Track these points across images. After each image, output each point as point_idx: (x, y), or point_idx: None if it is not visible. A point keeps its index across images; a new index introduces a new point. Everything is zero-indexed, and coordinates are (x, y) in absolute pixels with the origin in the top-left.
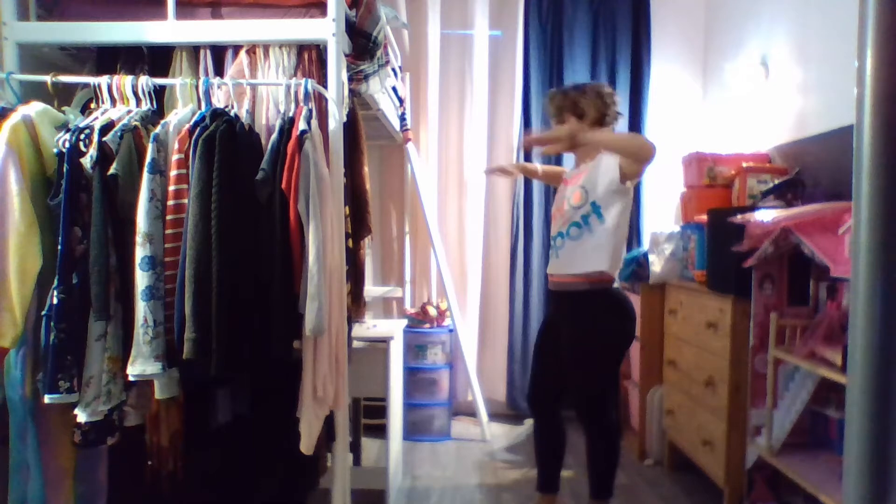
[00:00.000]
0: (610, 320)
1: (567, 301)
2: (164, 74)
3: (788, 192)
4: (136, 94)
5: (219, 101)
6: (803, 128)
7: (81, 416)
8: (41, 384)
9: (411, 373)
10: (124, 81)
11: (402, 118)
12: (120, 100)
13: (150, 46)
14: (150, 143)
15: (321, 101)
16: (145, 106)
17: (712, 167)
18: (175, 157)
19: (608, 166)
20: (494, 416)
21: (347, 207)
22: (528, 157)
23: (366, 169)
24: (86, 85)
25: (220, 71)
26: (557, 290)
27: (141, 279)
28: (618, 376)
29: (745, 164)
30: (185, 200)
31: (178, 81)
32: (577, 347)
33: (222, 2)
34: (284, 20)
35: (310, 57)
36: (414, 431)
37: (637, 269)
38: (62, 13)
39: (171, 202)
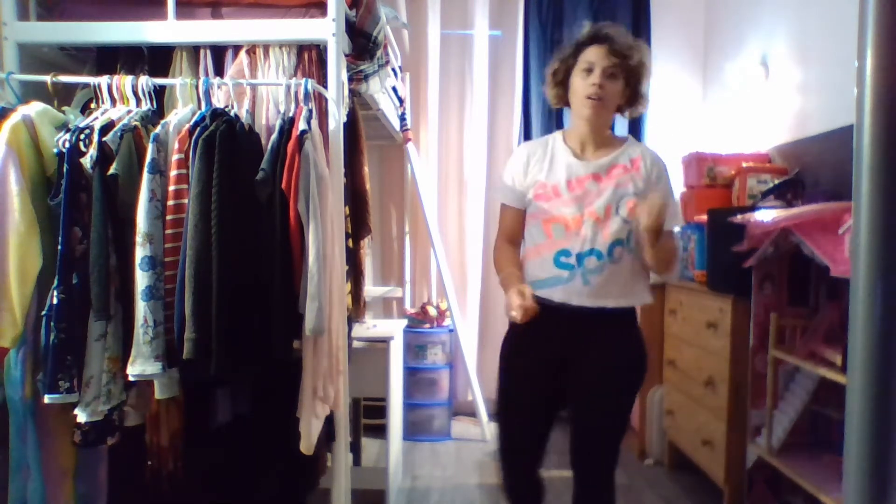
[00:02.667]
0: (643, 348)
1: (602, 322)
2: (164, 74)
3: (788, 192)
4: (136, 94)
5: (219, 101)
6: (803, 128)
7: (81, 416)
8: (41, 384)
9: (411, 373)
10: (124, 81)
11: (402, 118)
12: (120, 100)
13: (150, 46)
14: (150, 143)
15: (321, 101)
16: (145, 106)
17: (712, 167)
18: (175, 157)
19: (667, 194)
20: (494, 416)
21: (347, 207)
22: (527, 127)
23: (366, 169)
24: (86, 85)
25: (220, 71)
26: (580, 313)
27: (141, 279)
28: None
29: (745, 164)
30: (185, 200)
31: (178, 81)
32: (614, 381)
33: (222, 2)
34: (284, 20)
35: (310, 57)
36: (414, 431)
37: None
38: (62, 13)
39: (171, 202)
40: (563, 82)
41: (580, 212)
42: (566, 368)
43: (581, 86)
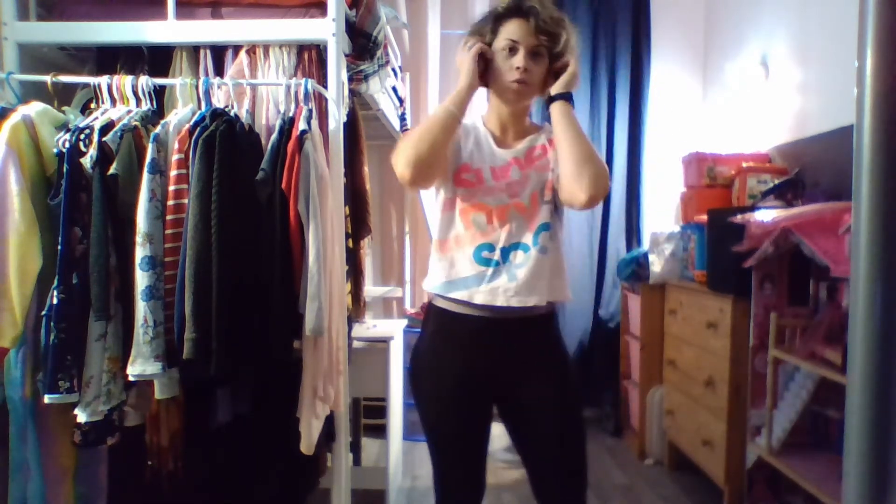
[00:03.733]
0: (567, 351)
1: (526, 331)
2: (164, 74)
3: (788, 192)
4: (136, 94)
5: (219, 101)
6: (803, 128)
7: (81, 416)
8: (41, 384)
9: None
10: (124, 81)
11: (402, 118)
12: (120, 100)
13: (150, 46)
14: (150, 143)
15: (321, 101)
16: (145, 106)
17: (712, 167)
18: (175, 157)
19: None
20: (493, 416)
21: (347, 207)
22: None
23: (366, 169)
24: (86, 85)
25: (220, 71)
26: (505, 318)
27: (141, 279)
28: None
29: (745, 164)
30: (185, 200)
31: (178, 81)
32: (561, 395)
33: (222, 2)
34: (284, 20)
35: (310, 57)
36: (414, 431)
37: (637, 269)
38: (62, 13)
39: (171, 202)
40: (480, 59)
41: (504, 202)
42: (501, 397)
43: (504, 67)
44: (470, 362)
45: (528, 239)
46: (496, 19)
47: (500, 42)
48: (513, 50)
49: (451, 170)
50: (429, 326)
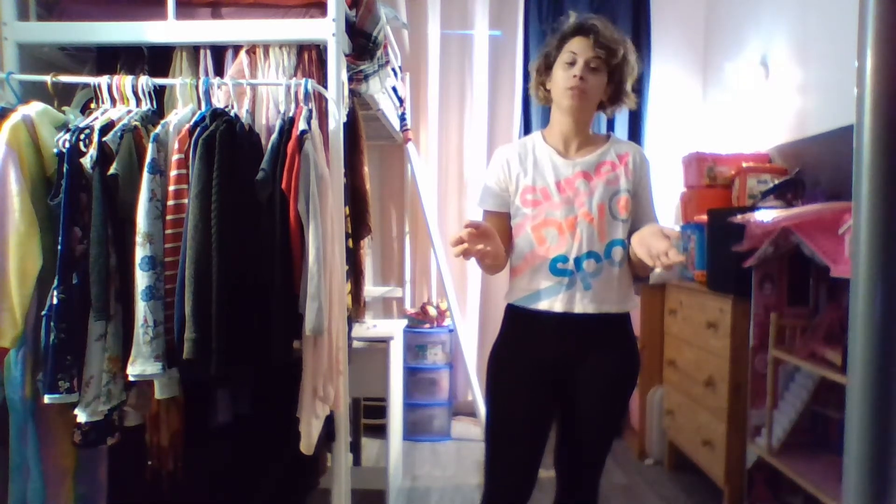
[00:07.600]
0: (639, 356)
1: (598, 326)
2: (164, 74)
3: (788, 192)
4: (136, 94)
5: (219, 101)
6: (803, 128)
7: (81, 416)
8: (41, 384)
9: (411, 373)
10: (124, 81)
11: (402, 118)
12: (120, 100)
13: (150, 46)
14: (150, 143)
15: (321, 101)
16: (145, 106)
17: (712, 167)
18: (175, 157)
19: (649, 196)
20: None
21: (347, 207)
22: (528, 127)
23: (366, 169)
24: (86, 85)
25: (220, 71)
26: (580, 315)
27: (141, 279)
28: None
29: (745, 164)
30: (185, 200)
31: (178, 81)
32: (615, 393)
33: (222, 2)
34: (284, 20)
35: (310, 57)
36: (414, 431)
37: None
38: (62, 13)
39: (171, 202)
40: (547, 77)
41: (573, 213)
42: (564, 380)
43: (562, 77)
44: (544, 349)
45: (599, 248)
46: (561, 38)
47: (563, 56)
48: (572, 63)
49: (512, 197)
50: (507, 325)
